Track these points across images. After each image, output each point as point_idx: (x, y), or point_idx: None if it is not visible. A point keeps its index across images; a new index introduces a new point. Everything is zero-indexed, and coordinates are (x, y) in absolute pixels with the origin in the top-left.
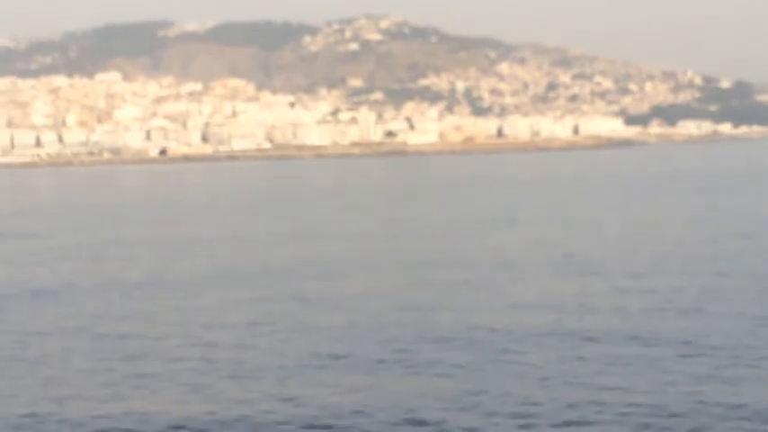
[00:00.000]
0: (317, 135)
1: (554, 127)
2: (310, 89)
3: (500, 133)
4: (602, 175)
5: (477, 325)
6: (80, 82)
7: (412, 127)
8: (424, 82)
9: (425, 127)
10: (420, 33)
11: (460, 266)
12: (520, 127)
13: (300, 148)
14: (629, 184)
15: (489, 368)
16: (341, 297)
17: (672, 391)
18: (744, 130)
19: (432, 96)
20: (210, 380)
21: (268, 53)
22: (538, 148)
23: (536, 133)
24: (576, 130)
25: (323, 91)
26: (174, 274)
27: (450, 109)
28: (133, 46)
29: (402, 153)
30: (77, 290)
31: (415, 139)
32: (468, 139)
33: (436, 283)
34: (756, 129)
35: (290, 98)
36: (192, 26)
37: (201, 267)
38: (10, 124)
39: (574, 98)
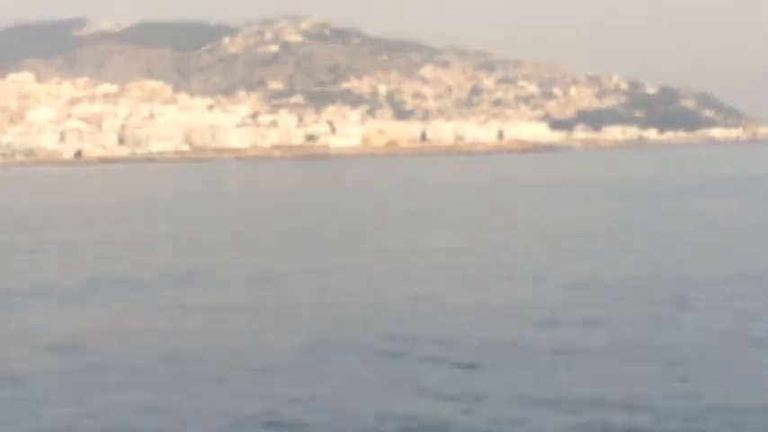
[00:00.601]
0: (236, 138)
1: (478, 131)
2: (229, 91)
3: (423, 137)
4: (524, 180)
5: None
6: None
7: (333, 130)
8: (345, 85)
9: (347, 130)
10: (341, 35)
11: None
12: (444, 131)
13: (220, 150)
14: (548, 190)
15: None
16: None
17: None
18: (669, 135)
19: (353, 100)
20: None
21: (185, 54)
22: (462, 152)
23: (460, 137)
24: (500, 135)
25: (242, 93)
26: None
27: (372, 113)
28: (47, 46)
29: (324, 156)
30: None
31: (337, 143)
32: (392, 143)
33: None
34: (681, 134)
35: (209, 101)
36: (107, 26)
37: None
38: None
39: (498, 102)
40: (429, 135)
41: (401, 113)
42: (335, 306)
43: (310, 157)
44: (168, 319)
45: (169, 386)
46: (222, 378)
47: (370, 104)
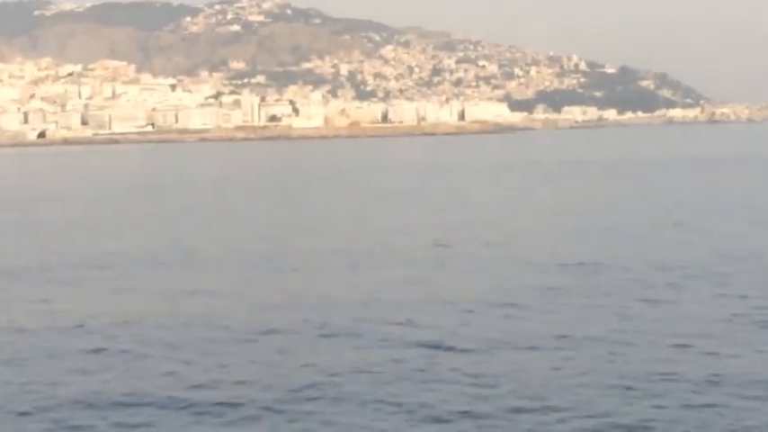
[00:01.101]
0: (199, 118)
1: (440, 112)
2: (191, 71)
3: (385, 118)
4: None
5: None
6: None
7: (296, 110)
8: (307, 65)
9: (310, 111)
10: (303, 15)
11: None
12: (405, 111)
13: (183, 131)
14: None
15: None
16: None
17: None
18: (629, 116)
19: (315, 80)
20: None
21: (147, 34)
22: (425, 133)
23: (422, 118)
24: (462, 116)
25: (204, 73)
26: None
27: (333, 93)
28: (9, 26)
29: (287, 137)
30: None
31: (300, 123)
32: (354, 124)
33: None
34: (640, 115)
35: (171, 80)
36: (69, 5)
37: None
38: None
39: (458, 82)
40: (391, 116)
41: (362, 93)
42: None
43: (273, 138)
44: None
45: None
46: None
47: (332, 84)
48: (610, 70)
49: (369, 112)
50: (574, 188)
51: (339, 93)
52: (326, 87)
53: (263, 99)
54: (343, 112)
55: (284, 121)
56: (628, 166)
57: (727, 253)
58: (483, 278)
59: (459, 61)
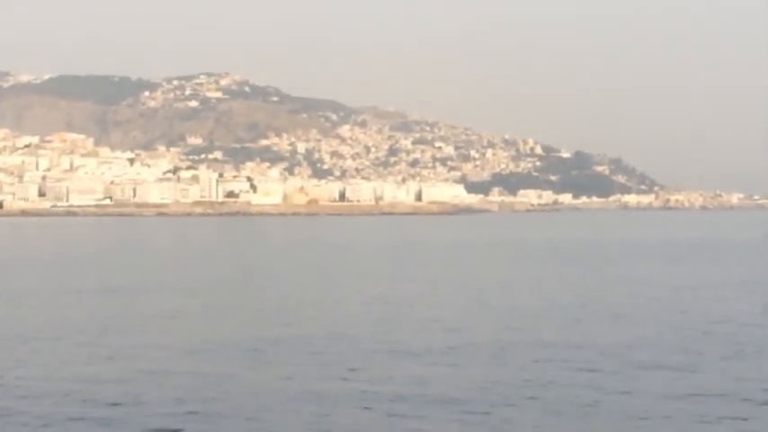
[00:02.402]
0: (157, 192)
1: (397, 192)
2: (148, 146)
3: (343, 197)
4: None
5: None
6: None
7: (253, 187)
8: (264, 142)
9: (268, 188)
10: (261, 93)
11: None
12: (363, 191)
13: (141, 205)
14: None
15: None
16: None
17: None
18: (583, 200)
19: (272, 157)
20: None
21: (105, 108)
22: (383, 212)
23: (379, 197)
24: (419, 196)
25: (161, 148)
26: None
27: (290, 170)
28: None
29: (246, 213)
30: None
31: (258, 200)
32: (313, 202)
33: None
34: (595, 200)
35: (130, 154)
36: (27, 77)
37: None
38: None
39: (415, 163)
40: (348, 194)
41: (319, 172)
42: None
43: (232, 214)
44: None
45: None
46: None
47: (289, 162)
48: (565, 154)
49: (327, 191)
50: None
51: (296, 170)
52: (283, 165)
53: (220, 175)
54: (301, 189)
55: (242, 198)
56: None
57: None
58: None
59: (415, 142)
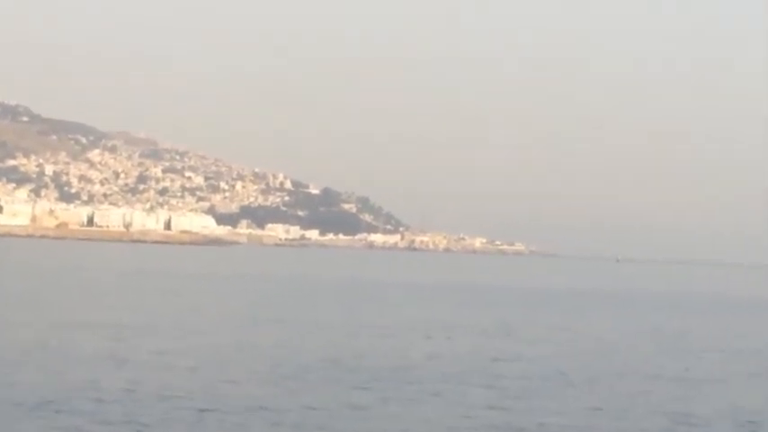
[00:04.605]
0: None
1: (147, 219)
2: None
3: (91, 221)
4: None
5: None
6: None
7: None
8: (11, 162)
9: (15, 209)
10: (10, 112)
11: None
12: (112, 216)
13: None
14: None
15: None
16: None
17: None
18: (330, 237)
19: (18, 178)
20: None
21: None
22: (133, 239)
23: (128, 224)
24: (168, 225)
25: None
26: None
27: (37, 192)
28: None
29: None
30: None
31: (4, 221)
32: (62, 225)
33: None
34: (342, 237)
35: None
36: None
37: None
38: None
39: (164, 192)
40: (97, 219)
41: (66, 195)
42: None
43: None
44: None
45: None
46: None
47: (36, 184)
48: (314, 191)
49: (76, 215)
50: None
51: (43, 193)
52: (30, 186)
53: None
54: (51, 212)
55: None
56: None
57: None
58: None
59: (165, 170)
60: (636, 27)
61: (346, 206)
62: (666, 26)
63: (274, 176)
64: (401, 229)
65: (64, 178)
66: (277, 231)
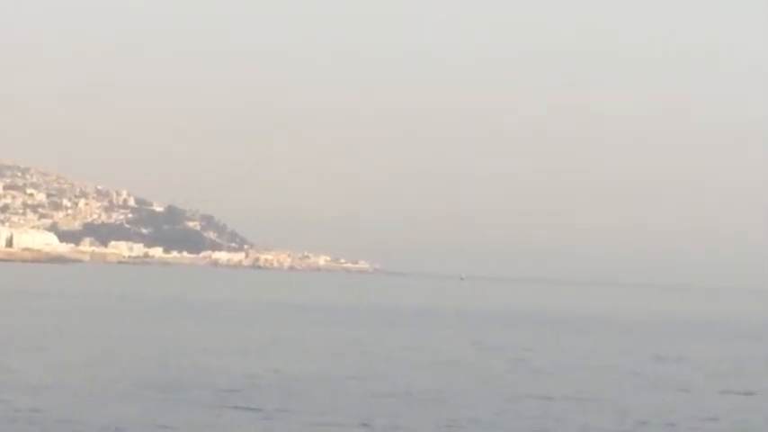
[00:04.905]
0: None
1: None
2: None
3: None
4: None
5: None
6: None
7: None
8: None
9: None
10: None
11: None
12: None
13: None
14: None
15: None
16: None
17: None
18: (174, 255)
19: None
20: None
21: None
22: None
23: None
24: (10, 242)
25: None
26: None
27: None
28: None
29: None
30: None
31: None
32: None
33: None
34: (186, 255)
35: None
36: None
37: None
38: None
39: (5, 209)
40: None
41: None
42: None
43: None
44: None
45: None
46: None
47: None
48: (158, 208)
49: None
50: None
51: None
52: None
53: None
54: None
55: None
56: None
57: None
58: None
59: (6, 187)
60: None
61: (190, 224)
62: None
63: (117, 193)
64: (246, 246)
65: None
66: (120, 249)
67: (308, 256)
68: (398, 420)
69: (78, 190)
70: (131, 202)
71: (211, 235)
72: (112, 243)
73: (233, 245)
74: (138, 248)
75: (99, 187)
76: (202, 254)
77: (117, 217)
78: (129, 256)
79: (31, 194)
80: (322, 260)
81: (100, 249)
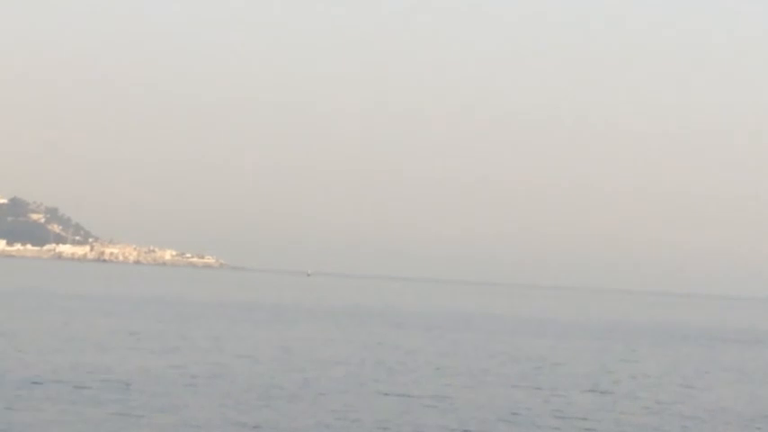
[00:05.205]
0: None
1: None
2: None
3: None
4: None
5: None
6: None
7: None
8: None
9: None
10: None
11: None
12: None
13: None
14: None
15: None
16: None
17: None
18: (18, 248)
19: None
20: None
21: None
22: None
23: None
24: None
25: None
26: None
27: None
28: None
29: None
30: None
31: None
32: None
33: None
34: (30, 248)
35: None
36: None
37: None
38: None
39: None
40: None
41: None
42: None
43: None
44: None
45: None
46: None
47: None
48: (1, 200)
49: None
50: None
51: None
52: None
53: None
54: None
55: None
56: None
57: None
58: None
59: None
60: None
61: (35, 216)
62: None
63: None
64: (90, 240)
65: None
66: None
67: (153, 250)
68: None
69: None
70: None
71: (56, 228)
72: None
73: (78, 238)
74: None
75: None
76: (46, 247)
77: None
78: None
79: None
80: (168, 254)
81: None
